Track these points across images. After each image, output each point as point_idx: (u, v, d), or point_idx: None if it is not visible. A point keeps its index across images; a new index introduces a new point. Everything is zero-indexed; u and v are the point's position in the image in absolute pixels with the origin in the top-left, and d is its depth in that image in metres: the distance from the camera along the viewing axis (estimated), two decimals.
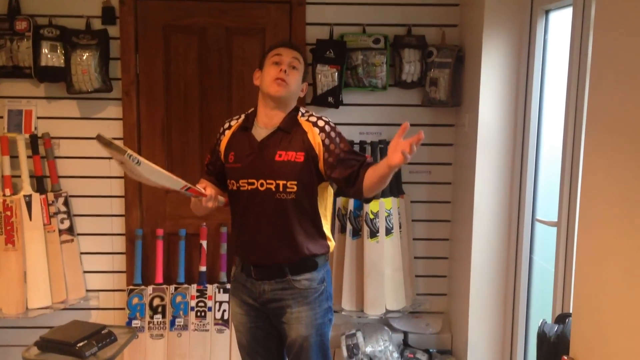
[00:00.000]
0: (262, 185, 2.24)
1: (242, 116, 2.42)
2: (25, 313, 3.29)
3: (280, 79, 2.26)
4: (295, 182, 2.23)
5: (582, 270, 1.83)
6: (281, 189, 2.23)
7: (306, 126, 2.29)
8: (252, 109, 2.40)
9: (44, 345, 2.61)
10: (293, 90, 2.30)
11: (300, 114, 2.34)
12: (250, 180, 2.26)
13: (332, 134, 2.27)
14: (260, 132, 2.31)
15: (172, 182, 2.12)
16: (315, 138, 2.26)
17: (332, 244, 2.42)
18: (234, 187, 2.31)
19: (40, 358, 2.59)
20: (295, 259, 2.29)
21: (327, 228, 2.38)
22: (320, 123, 2.29)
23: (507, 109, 3.01)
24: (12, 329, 3.49)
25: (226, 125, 2.43)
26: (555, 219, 2.51)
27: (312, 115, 2.34)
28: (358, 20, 3.40)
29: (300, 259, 2.29)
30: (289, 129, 2.29)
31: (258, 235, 2.29)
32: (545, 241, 2.79)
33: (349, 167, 2.20)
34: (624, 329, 1.57)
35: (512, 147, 3.02)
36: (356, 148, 3.41)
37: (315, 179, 2.28)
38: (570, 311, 2.18)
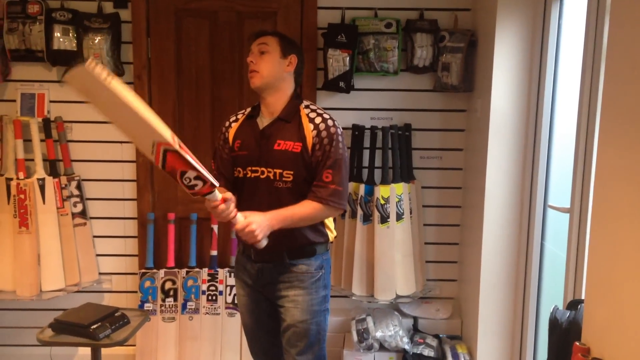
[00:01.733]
0: (262, 173, 2.27)
1: (249, 109, 2.44)
2: (39, 295, 3.32)
3: (250, 71, 2.30)
4: (292, 172, 2.25)
5: (595, 256, 1.83)
6: (278, 178, 2.26)
7: (304, 120, 2.28)
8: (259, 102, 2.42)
9: (58, 327, 2.63)
10: (267, 74, 2.28)
11: (304, 105, 2.34)
12: (254, 168, 2.29)
13: (323, 134, 2.24)
14: (263, 120, 2.34)
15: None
16: (309, 134, 2.26)
17: (332, 234, 2.44)
18: (240, 175, 2.34)
19: (54, 340, 2.62)
20: (294, 245, 2.31)
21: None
22: (317, 120, 2.27)
23: (520, 95, 2.98)
24: (26, 311, 3.54)
25: (232, 118, 2.46)
26: (568, 205, 2.49)
27: (314, 110, 2.32)
28: (370, 4, 3.37)
29: (299, 245, 2.32)
30: (289, 118, 2.29)
31: None
32: (557, 227, 2.78)
33: (315, 178, 2.26)
34: (637, 315, 1.57)
35: (525, 133, 3.00)
36: (367, 134, 3.41)
37: (310, 169, 2.28)
38: (582, 297, 2.18)
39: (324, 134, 2.25)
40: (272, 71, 2.29)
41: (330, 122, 2.27)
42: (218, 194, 1.99)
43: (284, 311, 2.35)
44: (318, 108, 2.34)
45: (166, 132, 1.82)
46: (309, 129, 2.26)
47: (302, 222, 2.25)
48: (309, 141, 2.25)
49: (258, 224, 2.07)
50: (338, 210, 2.31)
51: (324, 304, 2.39)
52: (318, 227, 2.36)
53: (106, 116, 1.79)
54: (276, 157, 2.26)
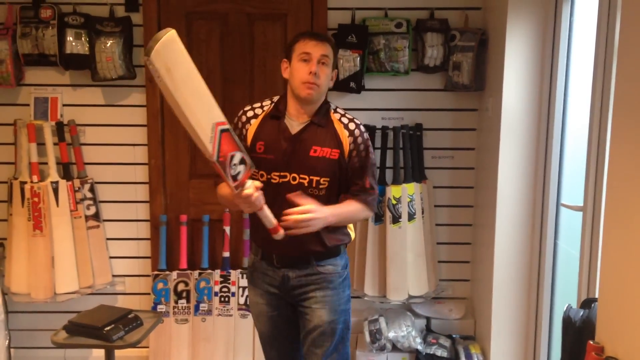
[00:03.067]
0: (294, 179, 2.19)
1: (268, 103, 2.30)
2: (53, 298, 3.35)
3: (311, 83, 2.15)
4: (328, 179, 2.20)
5: (609, 254, 1.81)
6: (314, 185, 2.19)
7: (338, 125, 2.24)
8: (279, 97, 2.31)
9: (72, 329, 2.64)
10: (324, 89, 2.22)
11: (332, 110, 2.29)
12: (282, 174, 2.20)
13: (359, 140, 2.24)
14: (292, 124, 2.23)
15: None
16: (345, 140, 2.23)
17: (353, 234, 2.43)
18: (263, 179, 2.21)
19: (68, 342, 2.63)
20: (321, 249, 2.27)
21: None
22: (351, 126, 2.25)
23: (531, 93, 2.97)
24: (40, 314, 3.56)
25: (250, 113, 2.29)
26: (581, 204, 2.47)
27: (344, 115, 2.28)
28: (380, 4, 3.37)
29: (326, 249, 2.28)
30: (323, 124, 2.23)
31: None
32: (570, 226, 2.76)
33: (351, 182, 2.28)
34: None
35: (537, 131, 2.98)
36: (378, 134, 3.41)
37: (345, 176, 2.26)
38: (596, 296, 2.16)
39: (359, 140, 2.24)
40: (326, 87, 2.24)
41: (362, 128, 2.28)
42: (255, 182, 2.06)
43: (309, 312, 2.29)
44: (346, 113, 2.31)
45: (220, 112, 1.93)
46: (344, 135, 2.23)
47: (349, 221, 2.32)
48: (346, 147, 2.22)
49: (321, 214, 2.11)
50: (372, 213, 2.44)
51: (348, 303, 2.38)
52: (343, 229, 2.35)
53: (173, 97, 1.86)
54: (312, 164, 2.19)
